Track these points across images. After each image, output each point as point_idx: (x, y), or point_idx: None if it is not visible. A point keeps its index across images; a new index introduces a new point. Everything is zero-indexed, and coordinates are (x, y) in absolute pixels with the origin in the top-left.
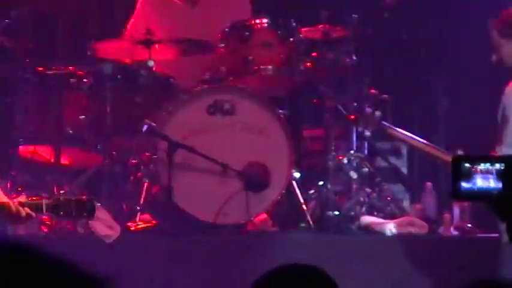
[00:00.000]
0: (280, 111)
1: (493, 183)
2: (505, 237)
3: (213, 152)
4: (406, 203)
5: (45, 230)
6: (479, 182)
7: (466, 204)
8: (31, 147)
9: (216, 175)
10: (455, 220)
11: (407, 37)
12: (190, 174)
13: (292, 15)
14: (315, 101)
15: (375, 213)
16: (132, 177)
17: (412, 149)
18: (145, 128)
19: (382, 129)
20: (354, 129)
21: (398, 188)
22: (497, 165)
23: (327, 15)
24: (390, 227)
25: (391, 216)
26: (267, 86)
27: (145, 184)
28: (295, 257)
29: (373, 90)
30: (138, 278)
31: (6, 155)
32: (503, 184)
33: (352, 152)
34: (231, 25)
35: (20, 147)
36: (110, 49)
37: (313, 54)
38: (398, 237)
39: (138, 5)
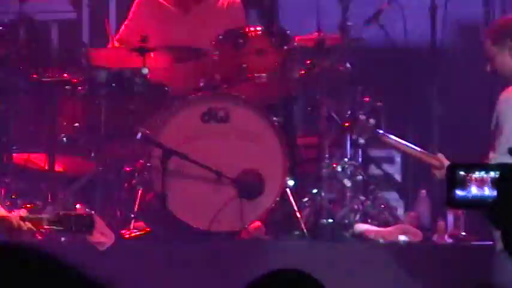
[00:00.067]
0: (274, 118)
1: (487, 191)
2: (500, 245)
3: (207, 160)
4: (400, 211)
5: (40, 237)
6: (474, 190)
7: (460, 212)
8: (25, 155)
9: (210, 182)
10: (450, 228)
11: (401, 45)
12: (184, 182)
13: (287, 22)
14: (309, 108)
15: (369, 221)
16: (126, 185)
17: (406, 157)
18: (139, 135)
19: (376, 137)
20: (348, 137)
21: (392, 196)
22: (492, 174)
23: (321, 23)
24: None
25: (385, 224)
26: (261, 94)
27: (140, 191)
28: (289, 265)
29: (367, 98)
30: (132, 286)
31: (0, 162)
32: (498, 192)
33: (346, 159)
34: (225, 32)
35: (14, 154)
36: (105, 56)
37: (307, 62)
38: (392, 245)
39: (132, 10)
